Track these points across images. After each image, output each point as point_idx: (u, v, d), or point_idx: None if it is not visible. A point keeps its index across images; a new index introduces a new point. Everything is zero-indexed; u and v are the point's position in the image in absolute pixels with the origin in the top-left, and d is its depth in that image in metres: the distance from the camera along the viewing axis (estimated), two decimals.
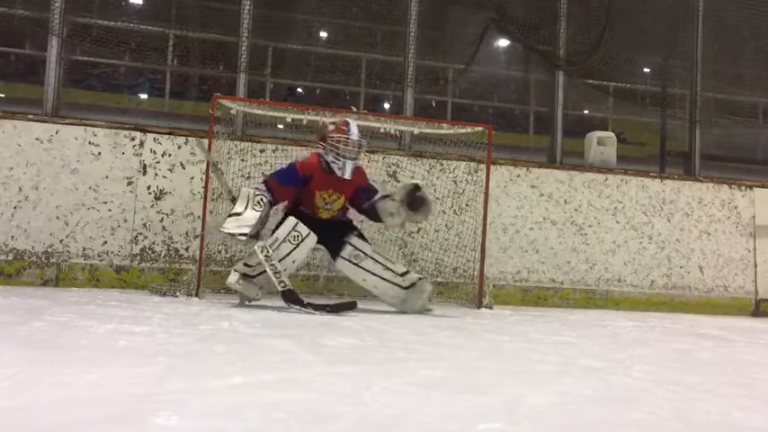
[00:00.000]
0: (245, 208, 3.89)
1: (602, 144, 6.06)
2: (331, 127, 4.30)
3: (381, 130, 4.98)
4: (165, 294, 4.40)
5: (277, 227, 4.05)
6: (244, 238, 3.86)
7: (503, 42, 6.74)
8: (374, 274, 4.22)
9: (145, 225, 4.98)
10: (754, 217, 6.18)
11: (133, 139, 5.04)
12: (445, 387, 1.89)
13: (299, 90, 6.50)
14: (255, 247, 3.89)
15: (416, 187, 4.28)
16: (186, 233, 5.03)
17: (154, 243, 4.99)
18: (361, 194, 4.40)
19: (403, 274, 4.27)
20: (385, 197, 4.36)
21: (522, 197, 5.69)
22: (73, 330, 2.69)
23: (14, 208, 4.80)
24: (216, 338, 2.66)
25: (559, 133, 6.25)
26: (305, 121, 4.74)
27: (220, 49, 5.81)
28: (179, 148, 5.09)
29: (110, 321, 2.96)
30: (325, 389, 1.78)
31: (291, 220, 4.01)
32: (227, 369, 1.99)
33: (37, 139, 4.87)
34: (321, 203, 4.27)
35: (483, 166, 5.18)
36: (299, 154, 5.17)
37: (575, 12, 6.29)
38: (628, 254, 5.88)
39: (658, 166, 6.65)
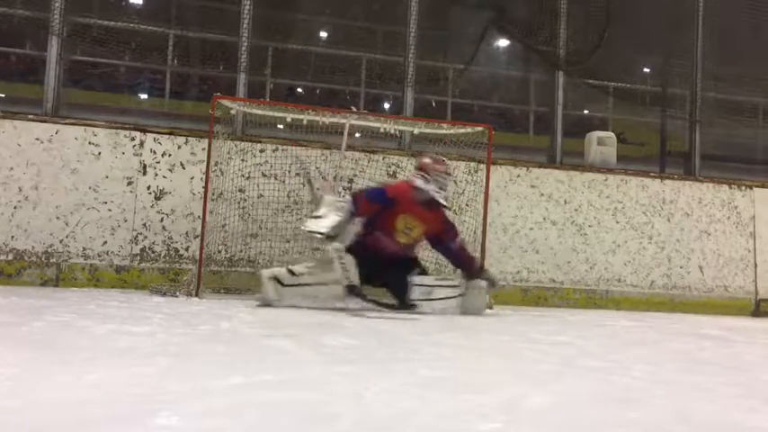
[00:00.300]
0: (326, 213, 4.12)
1: (602, 144, 6.06)
2: (427, 160, 4.49)
3: (381, 130, 4.99)
4: (165, 294, 4.39)
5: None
6: (320, 236, 4.02)
7: (503, 42, 6.74)
8: (442, 298, 4.39)
9: (145, 225, 4.98)
10: (754, 217, 6.18)
11: (133, 139, 5.04)
12: (445, 387, 1.89)
13: (299, 90, 6.50)
14: (329, 246, 4.04)
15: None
16: (186, 233, 5.03)
17: (154, 243, 4.99)
18: (446, 231, 4.53)
19: (459, 283, 4.51)
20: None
21: (521, 197, 5.69)
22: (73, 330, 2.69)
23: (14, 208, 4.80)
24: (216, 338, 2.66)
25: (559, 133, 6.25)
26: (305, 121, 4.74)
27: (220, 49, 5.81)
28: (179, 148, 5.09)
29: (110, 321, 2.96)
30: (325, 389, 1.78)
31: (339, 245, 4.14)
32: (227, 369, 1.99)
33: (37, 139, 4.87)
34: (402, 227, 4.40)
35: (483, 166, 5.18)
36: (300, 154, 5.18)
37: (575, 12, 6.29)
38: (628, 254, 5.88)
39: (658, 166, 6.65)
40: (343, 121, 4.89)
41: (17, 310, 3.30)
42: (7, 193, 4.80)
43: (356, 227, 4.34)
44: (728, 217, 6.13)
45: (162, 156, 5.07)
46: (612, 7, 6.26)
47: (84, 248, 4.88)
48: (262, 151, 5.16)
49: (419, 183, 4.39)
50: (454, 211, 5.38)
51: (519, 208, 5.67)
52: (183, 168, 5.08)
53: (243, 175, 5.05)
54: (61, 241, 4.85)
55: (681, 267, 5.99)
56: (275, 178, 5.14)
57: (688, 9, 6.54)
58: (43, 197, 4.85)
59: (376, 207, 4.29)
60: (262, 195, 5.08)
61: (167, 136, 5.10)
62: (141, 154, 5.04)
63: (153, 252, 4.99)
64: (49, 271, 4.83)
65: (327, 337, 2.80)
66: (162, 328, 2.86)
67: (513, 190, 5.68)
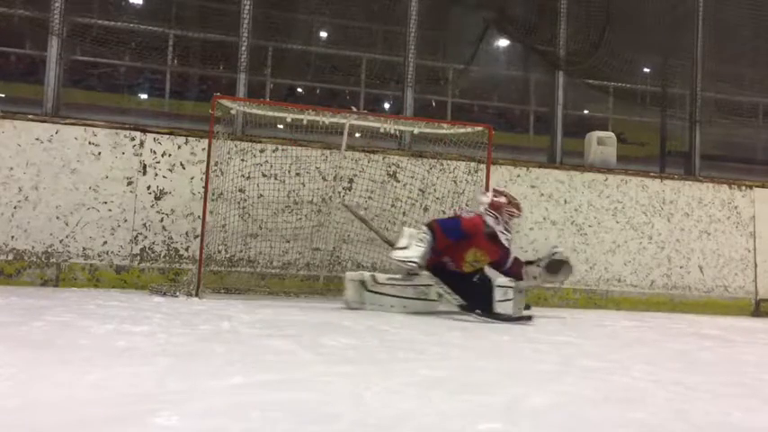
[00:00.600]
0: (408, 244, 4.24)
1: (602, 144, 6.06)
2: (503, 198, 4.54)
3: (381, 130, 4.99)
4: (165, 294, 4.39)
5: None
6: (415, 265, 4.18)
7: (503, 42, 6.73)
8: (510, 299, 4.45)
9: (145, 225, 4.98)
10: (754, 217, 6.18)
11: (133, 139, 5.04)
12: (445, 387, 1.89)
13: (299, 90, 6.50)
14: (424, 272, 4.23)
15: (555, 252, 4.62)
16: (186, 233, 5.03)
17: (154, 243, 4.99)
18: (503, 257, 4.61)
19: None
20: (529, 263, 4.67)
21: (521, 197, 5.67)
22: (73, 330, 2.69)
23: (14, 208, 4.80)
24: (216, 338, 2.66)
25: (559, 133, 6.25)
26: (305, 121, 4.74)
27: (220, 49, 5.81)
28: (179, 148, 5.09)
29: (110, 321, 2.96)
30: (325, 389, 1.78)
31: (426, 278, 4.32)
32: (227, 369, 1.99)
33: (37, 139, 4.87)
34: (471, 259, 4.48)
35: (483, 166, 5.19)
36: (300, 154, 5.18)
37: (575, 12, 6.29)
38: (628, 254, 5.88)
39: (658, 166, 6.65)
40: (344, 121, 4.89)
41: (17, 310, 3.30)
42: (7, 193, 4.80)
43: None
44: (728, 217, 6.13)
45: (162, 156, 5.07)
46: (612, 7, 6.26)
47: (84, 248, 4.88)
48: (262, 151, 5.17)
49: (490, 221, 4.47)
50: (454, 210, 5.39)
51: None
52: (183, 168, 5.08)
53: (243, 175, 5.05)
54: (61, 241, 4.85)
55: (681, 267, 5.99)
56: (275, 178, 5.14)
57: (688, 9, 6.54)
58: (43, 197, 4.85)
59: (451, 241, 4.39)
60: (262, 195, 5.08)
61: (167, 136, 5.10)
62: (141, 154, 5.04)
63: (153, 252, 4.99)
64: (49, 271, 4.83)
65: (327, 337, 2.80)
66: (162, 328, 2.86)
67: (513, 190, 5.66)
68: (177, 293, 4.37)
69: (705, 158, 6.54)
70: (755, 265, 6.12)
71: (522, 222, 5.66)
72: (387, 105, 6.66)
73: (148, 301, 4.07)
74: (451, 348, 2.79)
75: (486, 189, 5.08)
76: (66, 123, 4.96)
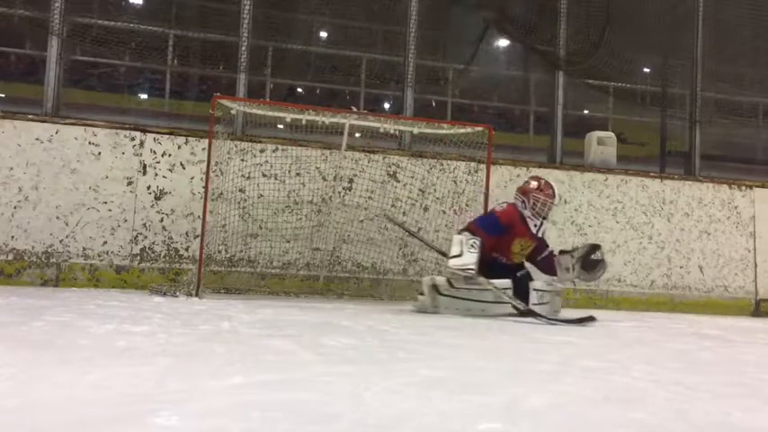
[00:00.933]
0: (461, 252, 4.22)
1: (602, 144, 6.06)
2: (534, 183, 4.58)
3: (381, 130, 4.99)
4: (165, 294, 4.40)
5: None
6: (472, 272, 4.18)
7: (503, 42, 6.74)
8: (546, 302, 4.49)
9: (145, 225, 4.98)
10: (754, 217, 6.18)
11: (133, 139, 5.04)
12: (445, 387, 1.89)
13: (299, 90, 6.50)
14: (480, 279, 4.21)
15: (595, 247, 4.57)
16: (186, 233, 5.03)
17: (154, 243, 4.99)
18: (540, 246, 4.69)
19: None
20: (563, 252, 4.65)
21: None
22: (73, 330, 2.69)
23: (14, 208, 4.81)
24: (216, 338, 2.66)
25: (559, 133, 6.25)
26: (305, 121, 4.74)
27: (220, 49, 5.81)
28: (179, 148, 5.09)
29: (110, 321, 2.96)
30: (325, 389, 1.78)
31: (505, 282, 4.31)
32: (227, 369, 1.99)
33: (37, 139, 4.88)
34: (518, 249, 4.56)
35: (483, 166, 5.19)
36: (300, 154, 5.18)
37: (575, 12, 6.29)
38: (628, 254, 5.88)
39: (658, 166, 6.65)
40: (344, 121, 4.89)
41: (17, 310, 3.30)
42: (7, 193, 4.80)
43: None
44: (728, 217, 6.13)
45: (162, 156, 5.07)
46: (612, 7, 6.26)
47: (84, 248, 4.88)
48: (262, 151, 5.17)
49: (519, 206, 4.56)
50: (454, 210, 5.39)
51: None
52: (183, 168, 5.09)
53: (243, 175, 5.05)
54: (61, 241, 4.85)
55: (681, 267, 5.99)
56: (275, 178, 5.14)
57: (688, 9, 6.54)
58: (43, 197, 4.85)
59: (494, 239, 4.43)
60: (262, 195, 5.08)
61: (167, 136, 5.10)
62: (141, 154, 5.04)
63: (153, 252, 4.99)
64: (49, 271, 4.83)
65: (327, 337, 2.80)
66: (162, 328, 2.86)
67: (513, 190, 5.66)
68: (177, 293, 4.37)
69: (705, 158, 6.54)
70: (755, 265, 6.13)
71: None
72: (387, 105, 6.66)
73: (148, 301, 4.07)
74: (452, 348, 2.79)
75: (487, 189, 5.10)
76: (66, 123, 4.96)
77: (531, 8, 6.29)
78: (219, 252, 4.96)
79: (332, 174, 5.23)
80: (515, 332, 3.50)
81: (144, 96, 6.53)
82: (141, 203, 4.99)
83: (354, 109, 5.33)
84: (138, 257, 4.96)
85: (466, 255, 4.20)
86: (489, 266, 4.36)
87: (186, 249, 5.02)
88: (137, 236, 4.97)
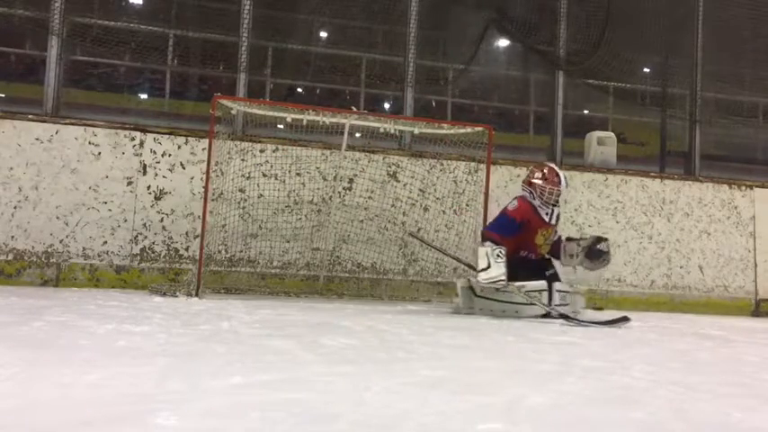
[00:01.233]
0: (489, 263, 4.23)
1: (602, 144, 6.06)
2: (538, 174, 4.57)
3: (381, 130, 4.99)
4: (165, 294, 4.40)
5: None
6: (503, 284, 4.20)
7: (503, 42, 6.73)
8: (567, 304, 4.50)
9: (145, 225, 4.98)
10: (754, 217, 6.18)
11: (133, 139, 5.04)
12: (445, 387, 1.89)
13: (299, 90, 6.50)
14: (511, 287, 4.23)
15: (601, 239, 4.59)
16: (186, 233, 5.03)
17: (154, 243, 4.99)
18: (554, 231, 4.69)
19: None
20: (570, 240, 4.69)
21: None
22: (73, 330, 2.69)
23: (14, 208, 4.80)
24: (216, 338, 2.66)
25: (559, 133, 6.25)
26: (305, 121, 4.74)
27: (220, 49, 5.81)
28: (179, 148, 5.09)
29: (110, 321, 2.96)
30: (326, 389, 1.78)
31: (540, 283, 4.35)
32: (227, 369, 1.99)
33: (37, 139, 4.87)
34: (542, 241, 4.57)
35: (483, 166, 5.19)
36: (300, 154, 5.18)
37: (575, 12, 6.29)
38: (628, 254, 5.88)
39: (658, 166, 6.64)
40: (344, 121, 4.89)
41: (17, 310, 3.30)
42: (7, 193, 4.80)
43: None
44: (728, 217, 6.13)
45: (162, 156, 5.07)
46: (612, 7, 6.26)
47: (84, 248, 4.88)
48: (262, 151, 5.17)
49: (528, 197, 4.56)
50: (454, 210, 5.39)
51: None
52: (183, 168, 5.08)
53: (243, 175, 5.05)
54: (61, 241, 4.85)
55: (681, 267, 5.99)
56: (275, 178, 5.14)
57: (688, 9, 6.54)
58: (43, 197, 4.85)
59: (515, 237, 4.44)
60: (262, 195, 5.08)
61: (167, 136, 5.10)
62: (141, 154, 5.04)
63: (153, 252, 4.99)
64: (49, 271, 4.83)
65: (327, 337, 2.80)
66: (162, 328, 2.86)
67: (513, 190, 5.67)
68: (177, 293, 4.37)
69: (705, 158, 6.54)
70: (755, 265, 6.12)
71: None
72: (387, 105, 6.66)
73: (148, 301, 4.07)
74: (452, 348, 2.79)
75: (487, 189, 5.10)
76: (66, 123, 4.96)
77: (531, 8, 6.29)
78: (219, 252, 4.96)
79: (332, 174, 5.23)
80: (516, 332, 3.50)
81: (144, 96, 6.52)
82: (141, 203, 4.99)
83: (354, 109, 5.32)
84: (138, 257, 4.96)
85: (494, 267, 4.20)
86: (519, 266, 4.37)
87: (186, 249, 5.02)
88: (137, 236, 4.97)
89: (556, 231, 4.72)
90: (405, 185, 5.40)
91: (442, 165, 5.47)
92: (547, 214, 4.54)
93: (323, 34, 6.31)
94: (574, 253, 4.55)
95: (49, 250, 4.83)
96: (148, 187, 5.02)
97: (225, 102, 4.70)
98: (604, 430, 1.54)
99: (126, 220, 4.96)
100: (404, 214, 5.33)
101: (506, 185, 5.65)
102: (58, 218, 4.86)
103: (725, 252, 6.08)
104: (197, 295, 4.36)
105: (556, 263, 4.66)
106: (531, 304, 4.21)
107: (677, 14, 6.57)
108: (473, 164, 5.35)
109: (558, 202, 4.58)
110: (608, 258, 4.58)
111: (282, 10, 6.05)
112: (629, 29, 6.35)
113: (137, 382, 1.76)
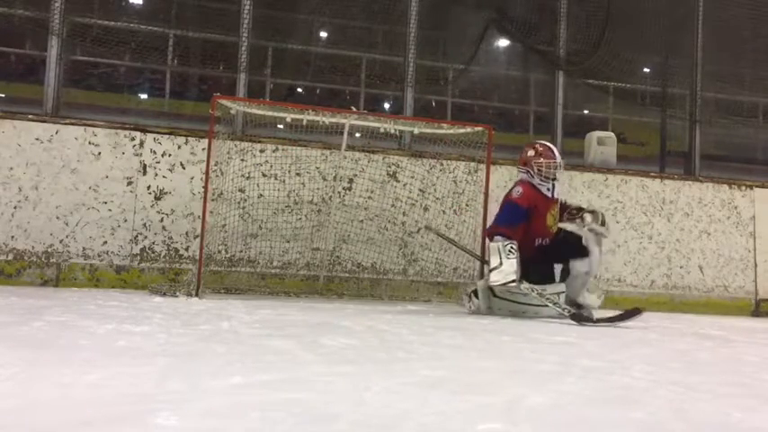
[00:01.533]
0: (500, 260, 4.20)
1: (602, 144, 6.06)
2: (531, 152, 4.54)
3: (381, 130, 4.99)
4: (165, 294, 4.40)
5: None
6: (515, 284, 4.18)
7: (503, 42, 6.73)
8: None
9: (145, 225, 4.98)
10: (754, 217, 6.18)
11: (133, 139, 5.04)
12: (445, 387, 1.89)
13: (299, 90, 6.50)
14: (524, 287, 4.19)
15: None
16: (186, 233, 5.03)
17: (154, 243, 4.99)
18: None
19: None
20: (579, 211, 4.65)
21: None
22: (73, 330, 2.69)
23: (14, 208, 4.80)
24: (216, 338, 2.66)
25: (559, 133, 6.25)
26: (305, 121, 4.74)
27: (220, 49, 5.81)
28: (179, 148, 5.09)
29: (110, 321, 2.96)
30: (326, 389, 1.78)
31: (559, 286, 4.39)
32: (227, 369, 1.99)
33: (37, 139, 4.87)
34: (552, 222, 4.54)
35: (483, 166, 5.19)
36: (300, 154, 5.19)
37: (575, 12, 6.29)
38: (628, 254, 5.88)
39: (658, 166, 6.65)
40: (344, 121, 4.89)
41: (17, 310, 3.30)
42: (7, 193, 4.80)
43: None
44: (728, 217, 6.13)
45: (162, 156, 5.07)
46: (612, 7, 6.26)
47: (84, 248, 4.88)
48: (262, 151, 5.17)
49: (526, 178, 4.53)
50: (454, 210, 5.39)
51: None
52: (183, 168, 5.09)
53: (243, 175, 5.05)
54: (61, 241, 4.85)
55: (681, 267, 5.99)
56: (275, 178, 5.14)
57: (688, 9, 6.54)
58: (43, 197, 4.85)
59: (523, 227, 4.40)
60: (262, 195, 5.08)
61: (167, 136, 5.10)
62: (141, 154, 5.04)
63: (153, 252, 4.99)
64: (49, 271, 4.83)
65: (327, 337, 2.80)
66: (162, 328, 2.86)
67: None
68: (177, 293, 4.37)
69: (705, 158, 6.54)
70: (755, 265, 6.13)
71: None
72: (387, 105, 6.66)
73: (148, 301, 4.07)
74: (452, 348, 2.79)
75: (487, 189, 5.10)
76: (66, 123, 4.96)
77: (531, 8, 6.29)
78: (219, 252, 4.96)
79: (332, 174, 5.23)
80: (515, 332, 3.50)
81: (144, 96, 6.53)
82: (141, 203, 4.99)
83: (354, 109, 5.33)
84: (138, 257, 4.96)
85: (505, 264, 4.17)
86: (534, 259, 4.36)
87: (186, 249, 5.02)
88: (137, 236, 4.97)
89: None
90: (405, 185, 5.40)
91: (441, 165, 5.47)
92: (548, 190, 4.52)
93: (323, 34, 6.31)
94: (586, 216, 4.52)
95: (49, 250, 4.83)
96: (148, 187, 5.02)
97: (225, 102, 4.69)
98: (604, 430, 1.54)
99: (126, 220, 4.96)
100: (404, 214, 5.34)
101: (506, 185, 5.62)
102: (58, 218, 4.86)
103: (725, 252, 6.08)
104: (197, 295, 4.36)
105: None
106: (548, 306, 4.20)
107: (677, 14, 6.57)
108: (473, 164, 5.35)
109: (556, 176, 4.54)
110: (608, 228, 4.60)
111: (282, 10, 6.05)
112: (629, 29, 6.35)
113: (137, 382, 1.76)
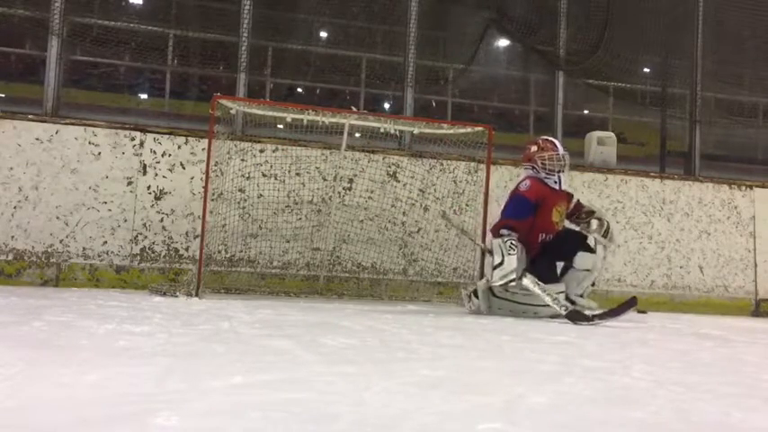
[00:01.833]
0: (502, 257, 4.22)
1: (602, 144, 6.06)
2: (533, 147, 4.54)
3: (381, 130, 4.99)
4: (165, 294, 4.40)
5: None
6: (514, 283, 4.22)
7: (503, 42, 6.73)
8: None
9: (145, 225, 4.99)
10: (754, 217, 6.18)
11: (133, 139, 5.04)
12: (445, 387, 1.89)
13: (299, 90, 6.50)
14: (525, 283, 4.18)
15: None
16: (186, 233, 5.03)
17: (154, 243, 4.99)
18: (569, 200, 4.70)
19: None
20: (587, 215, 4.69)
21: None
22: (73, 330, 2.69)
23: (14, 208, 4.81)
24: (216, 338, 2.66)
25: (559, 133, 6.25)
26: (305, 121, 4.74)
27: (220, 49, 5.81)
28: (179, 148, 5.10)
29: (110, 321, 2.96)
30: (326, 389, 1.78)
31: (560, 286, 4.37)
32: (227, 369, 1.99)
33: (37, 139, 4.88)
34: (558, 217, 4.53)
35: (483, 166, 5.19)
36: (300, 154, 5.19)
37: (575, 12, 6.29)
38: (628, 254, 5.88)
39: (658, 166, 6.65)
40: (344, 121, 4.89)
41: (17, 310, 3.30)
42: (7, 193, 4.81)
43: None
44: (728, 217, 6.13)
45: (162, 156, 5.07)
46: (612, 7, 6.26)
47: (84, 248, 4.88)
48: (262, 151, 5.17)
49: (532, 173, 4.53)
50: (454, 210, 5.39)
51: None
52: (183, 168, 5.09)
53: (243, 175, 5.05)
54: (61, 241, 4.85)
55: (681, 267, 5.99)
56: (275, 178, 5.15)
57: (688, 9, 6.54)
58: (43, 197, 4.85)
59: (531, 220, 4.40)
60: (262, 195, 5.08)
61: (167, 136, 5.10)
62: (141, 154, 5.04)
63: (153, 252, 4.99)
64: (49, 271, 4.83)
65: (327, 337, 2.80)
66: (162, 328, 2.86)
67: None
68: (177, 293, 4.37)
69: (705, 158, 6.54)
70: (755, 265, 6.13)
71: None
72: (387, 105, 6.66)
73: (148, 301, 4.07)
74: (452, 348, 2.79)
75: (487, 189, 5.10)
76: (66, 123, 4.96)
77: (531, 8, 6.29)
78: (219, 252, 4.96)
79: (332, 174, 5.23)
80: (515, 332, 3.50)
81: (144, 96, 6.52)
82: (141, 203, 5.00)
83: (354, 109, 5.33)
84: (138, 257, 4.96)
85: (506, 261, 4.18)
86: (536, 254, 4.38)
87: (186, 249, 5.02)
88: (137, 236, 4.97)
89: (574, 200, 4.73)
90: (405, 185, 5.40)
91: (441, 165, 5.47)
92: (555, 182, 4.50)
93: (323, 34, 6.31)
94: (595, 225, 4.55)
95: (49, 250, 4.83)
96: (148, 187, 5.02)
97: (225, 102, 4.70)
98: (604, 430, 1.54)
99: (126, 220, 4.96)
100: (404, 214, 5.34)
101: (506, 185, 5.64)
102: (58, 218, 4.86)
103: (725, 252, 6.08)
104: (197, 295, 4.36)
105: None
106: (548, 306, 4.19)
107: (677, 14, 6.57)
108: (473, 164, 5.36)
109: (561, 168, 4.50)
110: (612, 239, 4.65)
111: (282, 10, 6.05)
112: (629, 29, 6.35)
113: (137, 382, 1.76)
